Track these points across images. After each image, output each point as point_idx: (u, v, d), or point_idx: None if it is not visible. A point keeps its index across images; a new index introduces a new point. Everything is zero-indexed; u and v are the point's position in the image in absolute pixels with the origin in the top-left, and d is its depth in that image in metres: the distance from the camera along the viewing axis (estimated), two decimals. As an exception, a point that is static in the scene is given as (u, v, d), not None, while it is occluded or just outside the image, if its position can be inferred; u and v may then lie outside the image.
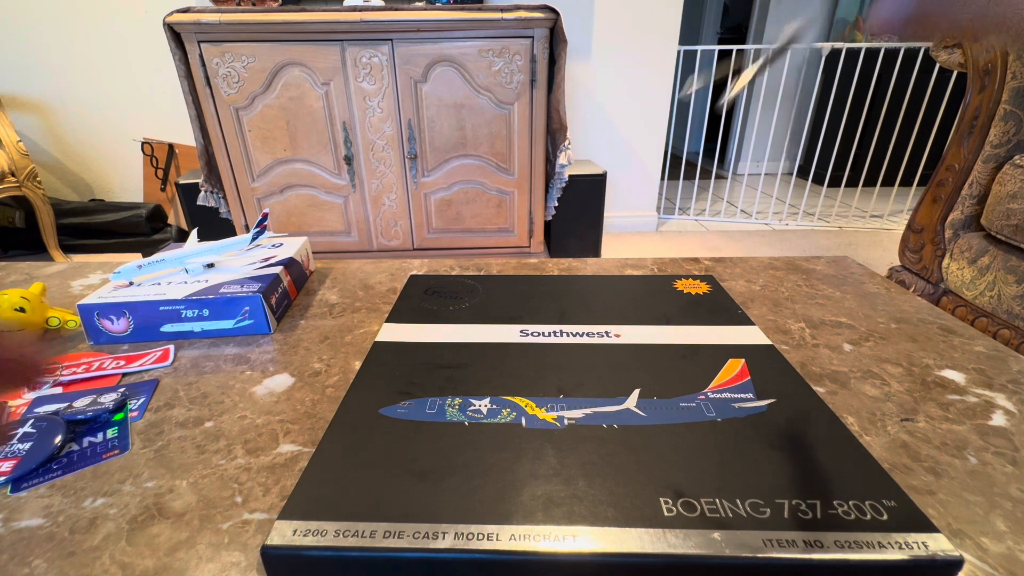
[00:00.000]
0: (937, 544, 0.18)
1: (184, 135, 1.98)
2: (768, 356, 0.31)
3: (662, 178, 2.92)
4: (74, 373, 0.36)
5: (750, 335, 0.33)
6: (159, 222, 2.05)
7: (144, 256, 0.47)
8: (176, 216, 2.08)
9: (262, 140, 1.47)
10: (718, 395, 0.27)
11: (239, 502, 0.26)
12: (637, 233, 2.10)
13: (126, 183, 2.15)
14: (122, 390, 0.34)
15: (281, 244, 0.52)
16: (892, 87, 2.20)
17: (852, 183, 2.60)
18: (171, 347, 0.40)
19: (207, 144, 1.49)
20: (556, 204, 1.60)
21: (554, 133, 1.53)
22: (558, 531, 0.19)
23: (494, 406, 0.26)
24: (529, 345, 0.29)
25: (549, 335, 0.33)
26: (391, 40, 1.37)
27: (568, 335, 0.33)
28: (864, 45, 2.04)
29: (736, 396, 0.27)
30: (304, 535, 0.19)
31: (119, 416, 0.32)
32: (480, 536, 0.19)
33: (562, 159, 1.49)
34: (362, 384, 0.29)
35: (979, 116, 1.14)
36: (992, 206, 1.08)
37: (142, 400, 0.34)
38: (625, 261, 0.55)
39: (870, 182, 2.63)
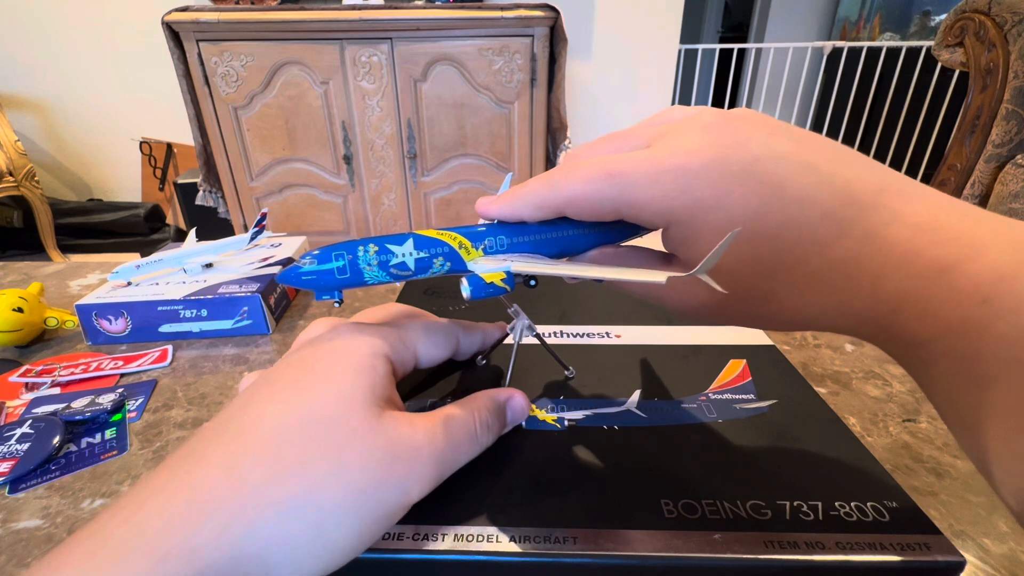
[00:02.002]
0: (939, 545, 0.18)
1: (182, 134, 1.98)
2: (769, 357, 0.31)
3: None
4: (72, 373, 0.36)
5: (751, 336, 0.33)
6: (157, 222, 2.05)
7: (142, 256, 0.47)
8: (174, 216, 2.08)
9: (261, 139, 1.47)
10: (719, 396, 0.27)
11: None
12: (637, 232, 2.10)
13: (124, 183, 2.14)
14: (120, 390, 0.34)
15: (280, 244, 0.52)
16: (894, 86, 2.20)
17: (852, 182, 2.59)
18: (169, 347, 0.40)
19: (205, 143, 1.48)
20: (556, 203, 1.60)
21: (554, 132, 1.53)
22: (558, 533, 0.19)
23: (494, 407, 0.26)
24: (529, 346, 0.29)
25: (549, 335, 0.33)
26: (390, 39, 1.37)
27: (568, 335, 0.33)
28: (865, 44, 2.04)
29: (737, 397, 0.27)
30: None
31: (117, 417, 0.32)
32: (480, 538, 0.19)
33: (562, 158, 1.49)
34: None
35: (981, 115, 1.13)
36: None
37: (140, 401, 0.33)
38: (625, 261, 0.55)
39: (870, 181, 2.61)
